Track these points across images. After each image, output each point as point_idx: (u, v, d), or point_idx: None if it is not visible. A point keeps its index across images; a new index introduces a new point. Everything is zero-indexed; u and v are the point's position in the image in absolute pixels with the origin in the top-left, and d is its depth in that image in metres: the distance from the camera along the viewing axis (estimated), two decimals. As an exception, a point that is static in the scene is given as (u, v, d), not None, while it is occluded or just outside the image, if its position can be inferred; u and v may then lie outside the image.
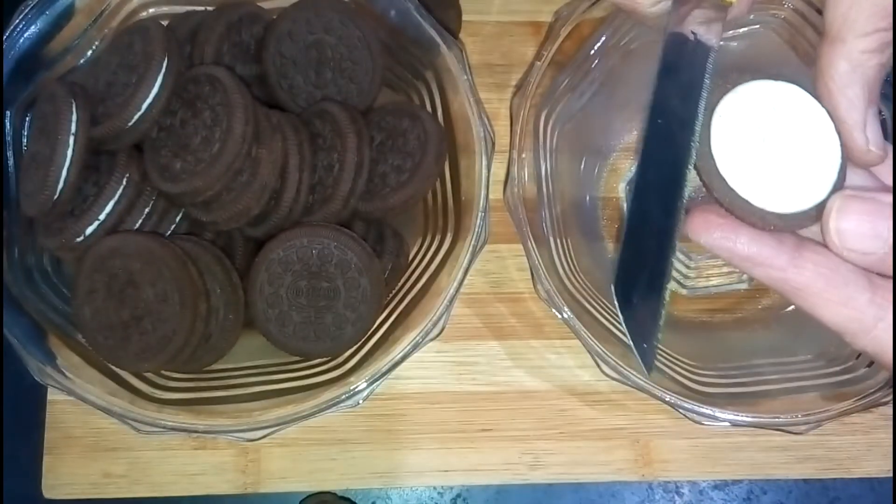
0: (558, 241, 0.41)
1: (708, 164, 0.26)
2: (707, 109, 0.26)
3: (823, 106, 0.26)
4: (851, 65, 0.25)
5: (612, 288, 0.26)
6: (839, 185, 0.25)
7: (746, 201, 0.25)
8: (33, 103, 0.39)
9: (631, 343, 0.26)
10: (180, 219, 0.40)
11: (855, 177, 0.26)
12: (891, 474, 0.45)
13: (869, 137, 0.26)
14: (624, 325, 0.26)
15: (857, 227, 0.24)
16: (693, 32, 0.28)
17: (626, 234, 0.26)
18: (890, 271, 0.24)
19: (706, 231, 0.26)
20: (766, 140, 0.25)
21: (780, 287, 0.25)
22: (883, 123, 0.41)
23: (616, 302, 0.26)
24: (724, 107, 0.26)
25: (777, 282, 0.25)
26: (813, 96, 0.26)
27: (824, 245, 0.25)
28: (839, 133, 0.26)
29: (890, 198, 0.25)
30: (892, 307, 0.24)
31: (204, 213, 0.38)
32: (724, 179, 0.25)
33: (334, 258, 0.38)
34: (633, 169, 0.47)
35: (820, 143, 0.25)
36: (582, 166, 0.47)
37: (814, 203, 0.25)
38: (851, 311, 0.24)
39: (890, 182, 0.27)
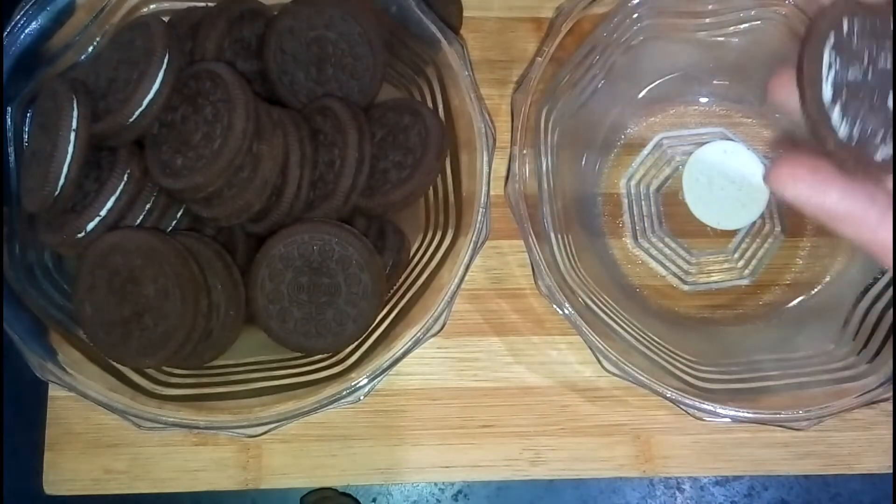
0: (559, 236, 0.41)
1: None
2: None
3: None
4: None
5: None
6: None
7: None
8: (34, 99, 0.39)
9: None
10: (181, 215, 0.40)
11: None
12: (891, 470, 0.45)
13: None
14: None
15: None
16: None
17: None
18: None
19: (792, 183, 0.23)
20: None
21: (868, 248, 0.23)
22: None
23: None
24: None
25: (866, 242, 0.23)
26: None
27: None
28: None
29: None
30: None
31: (205, 209, 0.38)
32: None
33: (335, 254, 0.38)
34: (635, 165, 0.47)
35: None
36: (583, 162, 0.47)
37: None
38: None
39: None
